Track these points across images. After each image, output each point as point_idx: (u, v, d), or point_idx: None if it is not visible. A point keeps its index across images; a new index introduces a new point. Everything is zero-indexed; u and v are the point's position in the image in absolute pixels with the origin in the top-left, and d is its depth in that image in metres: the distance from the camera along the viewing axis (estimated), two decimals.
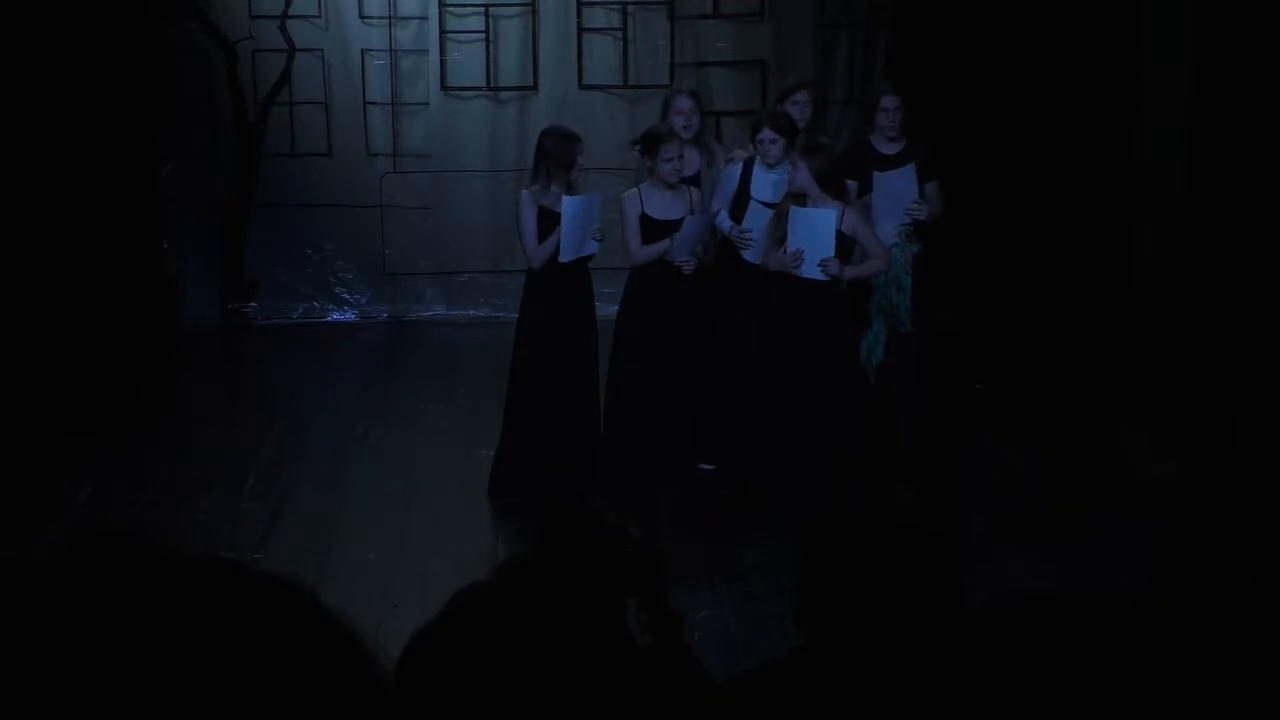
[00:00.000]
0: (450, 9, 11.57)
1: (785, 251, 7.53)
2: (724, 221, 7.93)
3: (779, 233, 7.61)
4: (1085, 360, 9.63)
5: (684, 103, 8.06)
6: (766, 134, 7.89)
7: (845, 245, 7.58)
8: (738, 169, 8.05)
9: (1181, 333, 9.34)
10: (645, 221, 7.75)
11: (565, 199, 7.53)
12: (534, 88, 11.67)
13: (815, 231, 7.50)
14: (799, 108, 8.18)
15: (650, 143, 7.77)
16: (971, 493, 7.79)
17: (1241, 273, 8.97)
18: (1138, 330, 9.76)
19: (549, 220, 7.63)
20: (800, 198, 7.57)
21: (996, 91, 10.67)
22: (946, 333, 8.70)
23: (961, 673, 2.23)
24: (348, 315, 11.86)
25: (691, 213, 7.73)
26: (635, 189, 7.85)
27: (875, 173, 7.98)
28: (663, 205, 7.76)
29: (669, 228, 7.70)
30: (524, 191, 7.81)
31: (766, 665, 2.69)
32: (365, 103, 11.68)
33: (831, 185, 7.61)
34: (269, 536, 7.34)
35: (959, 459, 8.25)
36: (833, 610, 2.63)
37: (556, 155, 7.65)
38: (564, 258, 7.60)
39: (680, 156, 7.72)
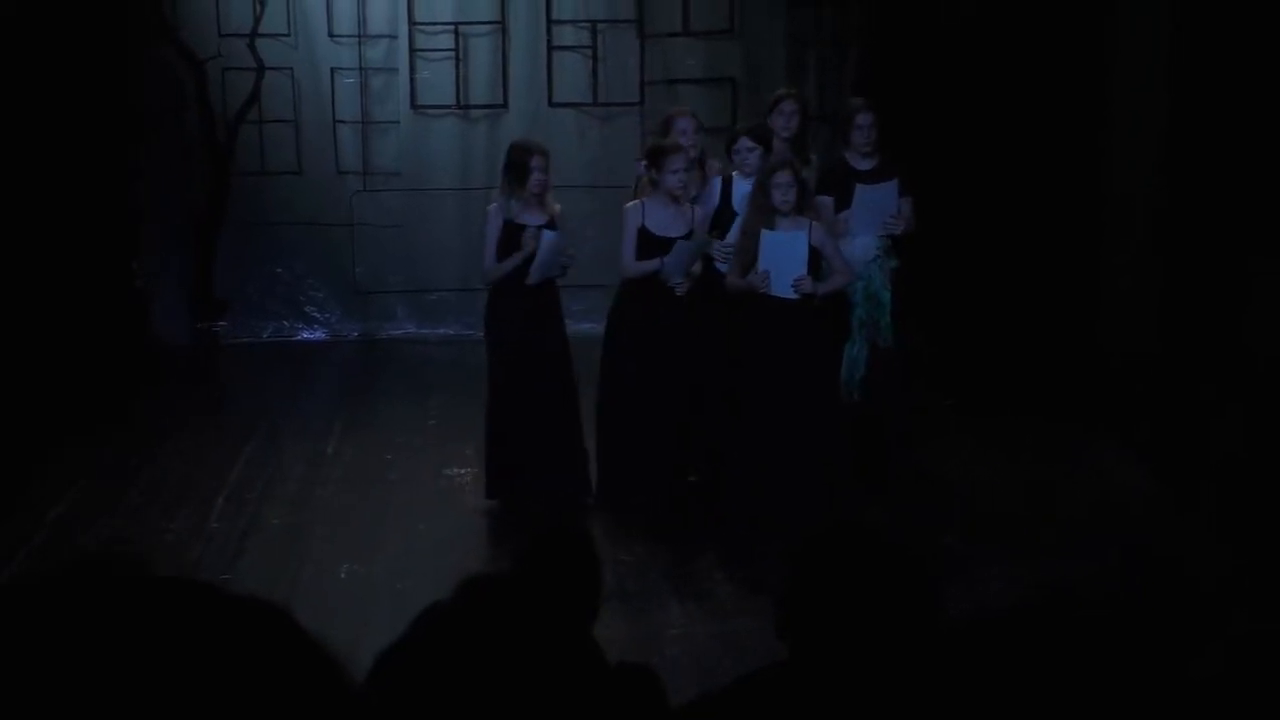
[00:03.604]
0: (420, 27, 11.57)
1: (755, 272, 7.52)
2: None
3: (748, 254, 7.57)
4: (1059, 374, 9.64)
5: (686, 123, 7.99)
6: (744, 143, 7.88)
7: (816, 260, 7.58)
8: (717, 186, 8.03)
9: (1154, 351, 9.35)
10: (643, 235, 7.70)
11: (545, 233, 7.55)
12: (504, 105, 11.67)
13: (787, 253, 7.50)
14: (785, 117, 8.16)
15: (656, 155, 7.72)
16: (948, 507, 7.80)
17: (1215, 297, 8.98)
18: (1111, 350, 9.78)
19: (510, 232, 7.62)
20: (770, 218, 7.54)
21: (967, 110, 10.70)
22: (916, 350, 8.72)
23: (941, 686, 2.22)
24: (318, 334, 11.83)
25: (690, 232, 7.70)
26: (638, 201, 7.82)
27: (857, 185, 7.97)
28: (664, 221, 7.69)
29: (665, 245, 7.65)
30: (492, 204, 7.81)
31: (744, 680, 2.67)
32: (335, 121, 11.67)
33: (801, 199, 7.60)
34: (240, 556, 7.30)
35: (935, 473, 8.26)
36: (814, 624, 2.62)
37: (512, 166, 7.66)
38: (531, 280, 7.62)
39: (688, 169, 7.70)
